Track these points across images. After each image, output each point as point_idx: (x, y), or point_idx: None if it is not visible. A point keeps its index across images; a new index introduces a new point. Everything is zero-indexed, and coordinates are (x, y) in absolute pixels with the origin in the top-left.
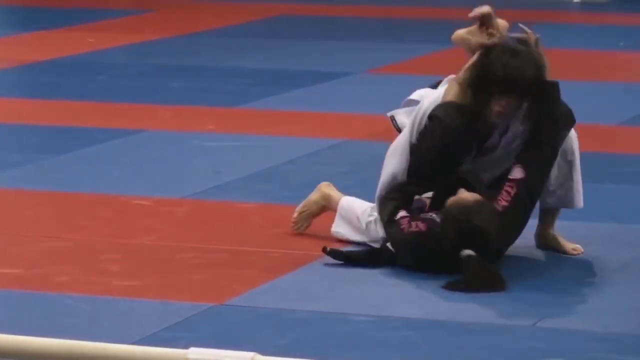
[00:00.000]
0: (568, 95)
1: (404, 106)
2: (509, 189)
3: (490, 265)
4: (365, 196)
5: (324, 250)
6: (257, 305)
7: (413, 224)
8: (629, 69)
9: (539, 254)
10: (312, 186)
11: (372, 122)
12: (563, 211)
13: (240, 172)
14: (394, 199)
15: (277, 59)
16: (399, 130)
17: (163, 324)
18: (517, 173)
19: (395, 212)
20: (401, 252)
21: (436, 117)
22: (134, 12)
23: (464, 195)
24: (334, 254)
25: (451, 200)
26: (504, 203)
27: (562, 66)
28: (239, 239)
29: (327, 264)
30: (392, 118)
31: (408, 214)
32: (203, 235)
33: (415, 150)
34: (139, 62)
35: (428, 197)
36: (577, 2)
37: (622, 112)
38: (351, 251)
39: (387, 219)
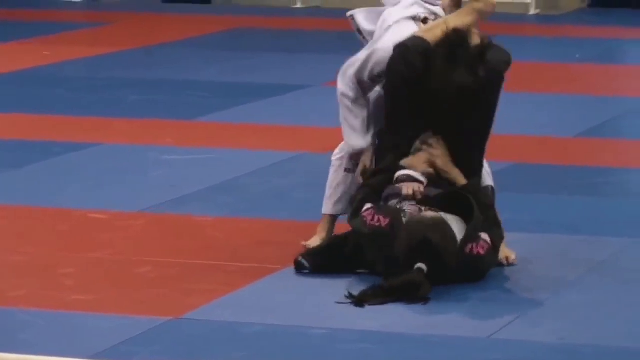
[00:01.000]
0: (525, 107)
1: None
2: (484, 245)
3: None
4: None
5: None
6: (213, 319)
7: (376, 216)
8: (585, 81)
9: (495, 267)
10: (271, 198)
11: (329, 135)
12: (520, 223)
13: (198, 185)
14: (363, 191)
15: (234, 72)
16: (358, 31)
17: (119, 338)
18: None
19: (362, 204)
20: (360, 244)
21: (402, 45)
22: (90, 25)
23: (426, 213)
24: (300, 266)
25: (412, 217)
26: (480, 251)
27: (520, 78)
28: (196, 253)
29: (283, 277)
30: (352, 17)
31: (373, 207)
32: (160, 248)
33: (386, 87)
34: (96, 75)
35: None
36: (533, 15)
37: (579, 124)
38: (316, 253)
39: (353, 212)
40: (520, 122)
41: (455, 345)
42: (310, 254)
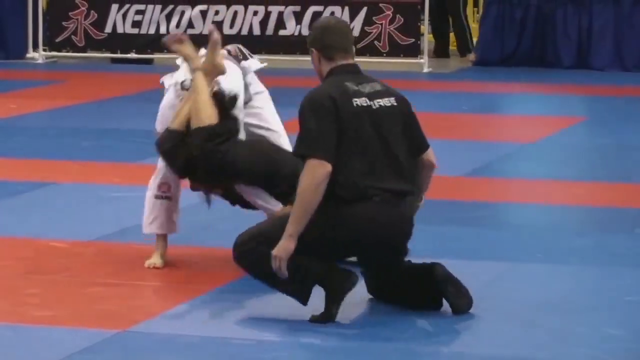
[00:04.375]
0: None
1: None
2: None
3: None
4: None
5: None
6: (155, 331)
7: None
8: (471, 129)
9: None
10: (204, 229)
11: None
12: (417, 251)
13: (140, 218)
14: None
15: None
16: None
17: (75, 348)
18: None
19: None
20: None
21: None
22: (50, 82)
23: None
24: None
25: None
26: None
27: None
28: (138, 275)
29: (213, 296)
30: (162, 83)
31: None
32: (109, 272)
33: None
34: (54, 124)
35: None
36: (426, 73)
37: (465, 165)
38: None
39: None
40: None
41: (350, 352)
42: None
